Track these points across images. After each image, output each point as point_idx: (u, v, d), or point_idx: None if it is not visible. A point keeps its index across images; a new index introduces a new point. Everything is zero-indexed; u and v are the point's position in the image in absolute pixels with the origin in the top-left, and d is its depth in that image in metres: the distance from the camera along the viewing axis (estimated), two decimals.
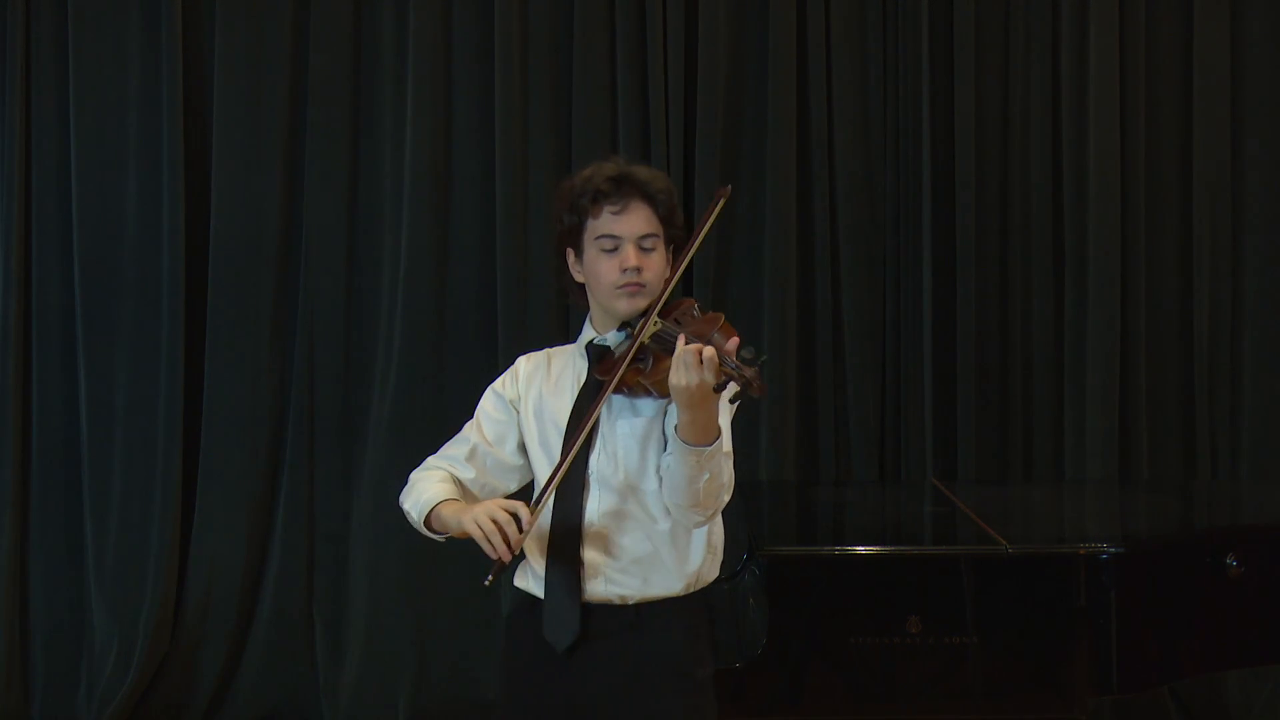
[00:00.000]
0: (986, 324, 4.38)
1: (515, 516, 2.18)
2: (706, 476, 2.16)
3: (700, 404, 2.08)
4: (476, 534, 2.20)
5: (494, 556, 2.19)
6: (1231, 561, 2.98)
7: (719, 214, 2.32)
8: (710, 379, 2.04)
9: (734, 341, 2.09)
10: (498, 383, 2.46)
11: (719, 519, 2.36)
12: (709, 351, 2.04)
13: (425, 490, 2.37)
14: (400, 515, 4.52)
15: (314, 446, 4.41)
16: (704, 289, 4.36)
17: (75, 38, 4.33)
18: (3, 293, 4.33)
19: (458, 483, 2.41)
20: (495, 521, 2.18)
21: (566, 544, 2.29)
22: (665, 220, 2.32)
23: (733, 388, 2.06)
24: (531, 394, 2.40)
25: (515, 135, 4.34)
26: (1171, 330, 4.43)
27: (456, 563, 4.39)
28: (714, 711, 2.36)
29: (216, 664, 4.35)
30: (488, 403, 2.45)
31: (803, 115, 4.38)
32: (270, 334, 4.40)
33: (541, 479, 2.36)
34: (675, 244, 2.35)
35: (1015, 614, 2.84)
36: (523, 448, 2.41)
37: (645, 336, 2.22)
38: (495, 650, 4.36)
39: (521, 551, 2.34)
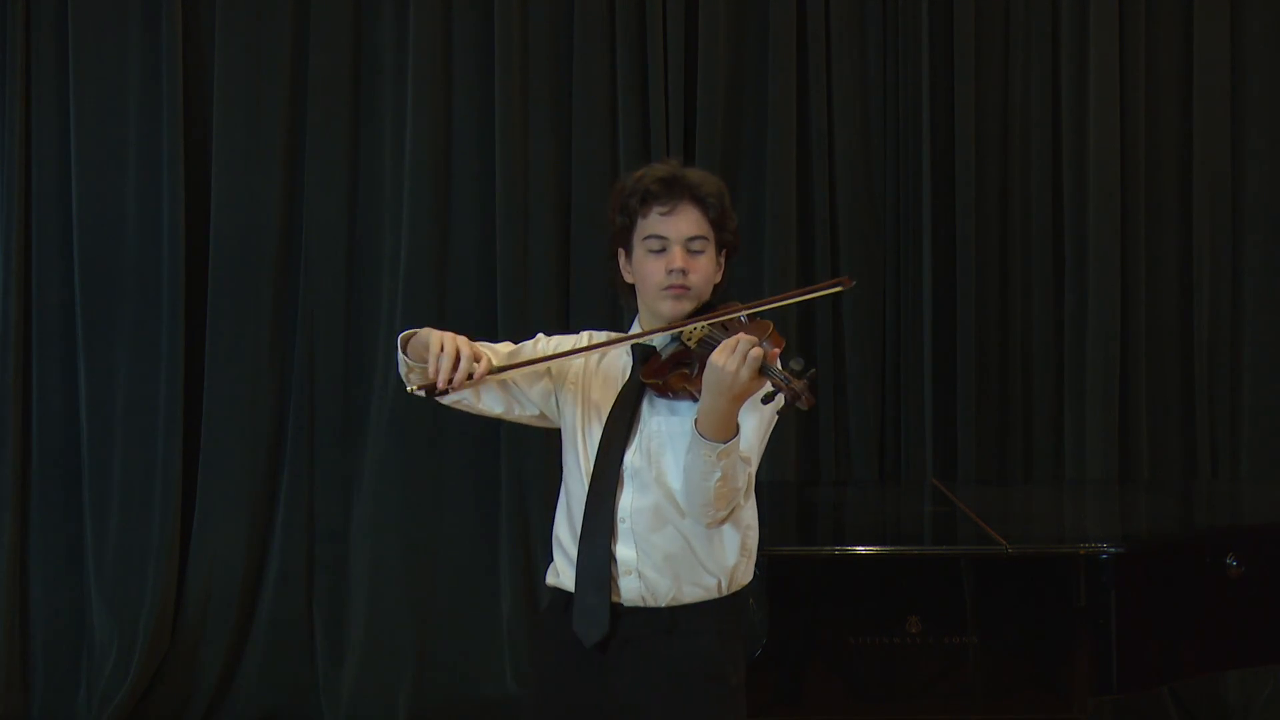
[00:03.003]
0: (986, 324, 4.38)
1: (477, 362, 2.18)
2: (718, 476, 2.15)
3: (726, 392, 2.07)
4: (435, 349, 2.18)
5: (430, 376, 2.18)
6: (1231, 561, 2.98)
7: (824, 293, 2.35)
8: (745, 375, 2.05)
9: (777, 352, 2.10)
10: (559, 339, 2.44)
11: (754, 522, 2.36)
12: (757, 351, 2.05)
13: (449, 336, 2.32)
14: (399, 515, 4.52)
15: (314, 446, 4.41)
16: None
17: (75, 38, 4.33)
18: (3, 293, 4.33)
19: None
20: (458, 352, 2.17)
21: (599, 537, 2.28)
22: (716, 224, 2.33)
23: (779, 400, 2.06)
24: (585, 371, 2.40)
25: (515, 135, 4.34)
26: (1171, 330, 4.43)
27: (457, 563, 4.40)
28: (745, 717, 2.35)
29: (216, 664, 4.35)
30: (548, 343, 2.43)
31: (803, 115, 4.38)
32: (270, 334, 4.40)
33: (571, 459, 2.35)
34: (727, 248, 2.37)
35: (1015, 614, 2.84)
36: (543, 399, 2.40)
37: (693, 341, 2.22)
38: (496, 650, 4.36)
39: (551, 552, 2.37)
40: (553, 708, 2.36)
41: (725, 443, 2.13)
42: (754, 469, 2.27)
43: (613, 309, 4.32)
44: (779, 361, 2.10)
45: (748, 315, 2.26)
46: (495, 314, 4.32)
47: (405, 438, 4.34)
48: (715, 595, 2.29)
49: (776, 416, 2.34)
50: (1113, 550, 2.86)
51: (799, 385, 2.03)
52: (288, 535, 4.40)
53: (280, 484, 4.42)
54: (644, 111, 4.33)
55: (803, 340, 4.37)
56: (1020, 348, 4.40)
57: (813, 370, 2.06)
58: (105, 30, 4.35)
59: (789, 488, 4.14)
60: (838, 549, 2.99)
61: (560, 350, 2.41)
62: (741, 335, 2.08)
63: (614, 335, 2.46)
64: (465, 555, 4.40)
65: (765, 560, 2.91)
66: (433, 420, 4.27)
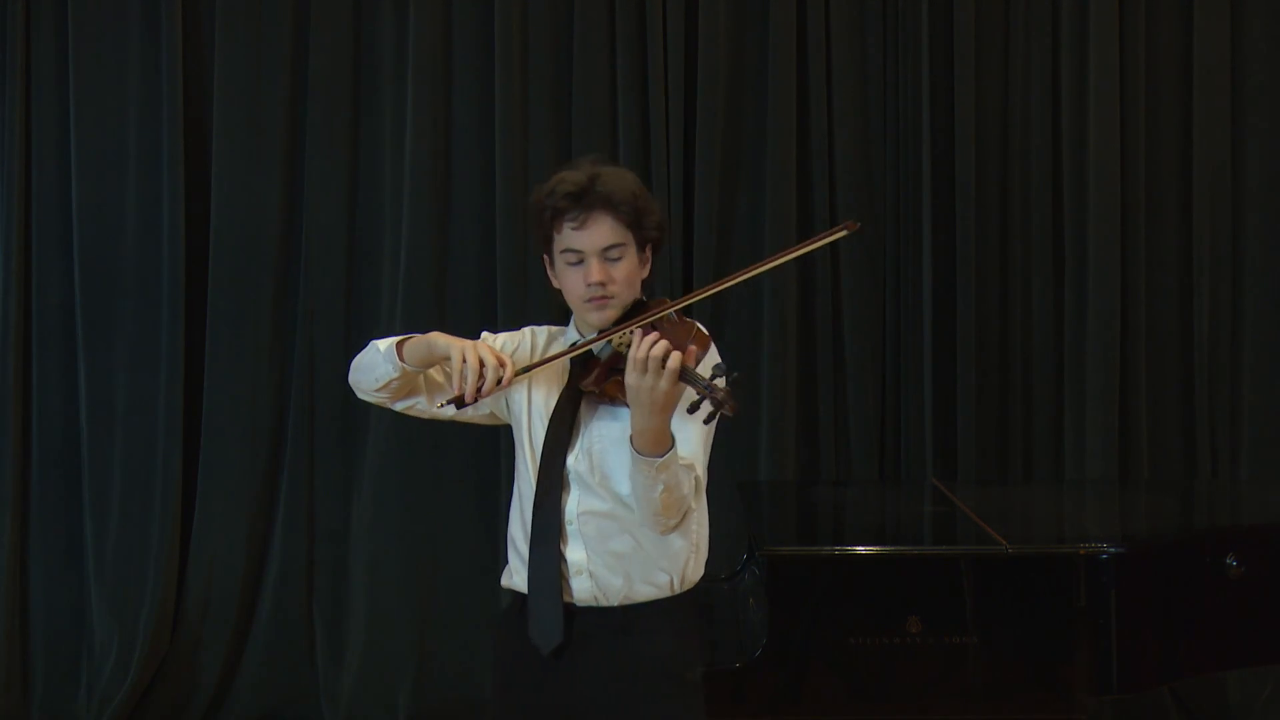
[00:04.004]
0: (986, 324, 4.38)
1: (502, 369, 2.19)
2: (661, 488, 2.16)
3: (651, 409, 2.08)
4: (457, 363, 2.19)
5: (457, 391, 2.19)
6: (1231, 561, 2.98)
7: (830, 241, 2.33)
8: (665, 385, 2.05)
9: (705, 353, 2.10)
10: (505, 338, 2.44)
11: (704, 516, 2.37)
12: (675, 357, 2.05)
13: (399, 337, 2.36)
14: (399, 515, 4.50)
15: (314, 446, 4.41)
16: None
17: (75, 38, 4.34)
18: (3, 293, 4.34)
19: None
20: (482, 363, 2.18)
21: (548, 544, 2.30)
22: (632, 224, 2.29)
23: (706, 407, 2.04)
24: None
25: (515, 135, 4.34)
26: (1171, 330, 4.43)
27: (456, 563, 4.40)
28: (703, 714, 2.37)
29: (216, 664, 4.35)
30: (494, 341, 2.42)
31: (803, 115, 4.38)
32: (270, 334, 4.40)
33: (521, 459, 2.38)
34: (652, 242, 2.35)
35: (1015, 614, 2.84)
36: (494, 399, 2.40)
37: (623, 347, 2.22)
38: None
39: (505, 553, 2.38)
40: (512, 710, 2.37)
41: (662, 455, 2.14)
42: (700, 471, 2.27)
43: None
44: (699, 362, 2.09)
45: (677, 312, 2.24)
46: (495, 314, 4.32)
47: (405, 438, 4.33)
48: (668, 593, 2.31)
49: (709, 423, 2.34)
50: (1113, 550, 2.86)
51: (721, 393, 2.01)
52: (288, 535, 4.40)
53: (280, 484, 4.42)
54: (644, 111, 4.33)
55: (802, 339, 4.38)
56: (1020, 347, 4.40)
57: (735, 374, 2.04)
58: (105, 30, 4.36)
59: (789, 488, 4.14)
60: (838, 549, 2.99)
61: (507, 350, 2.39)
62: (651, 348, 2.06)
63: (554, 329, 2.47)
64: (465, 555, 4.40)
65: (765, 560, 2.91)
66: (432, 420, 4.26)
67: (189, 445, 4.37)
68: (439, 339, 2.27)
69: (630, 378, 2.08)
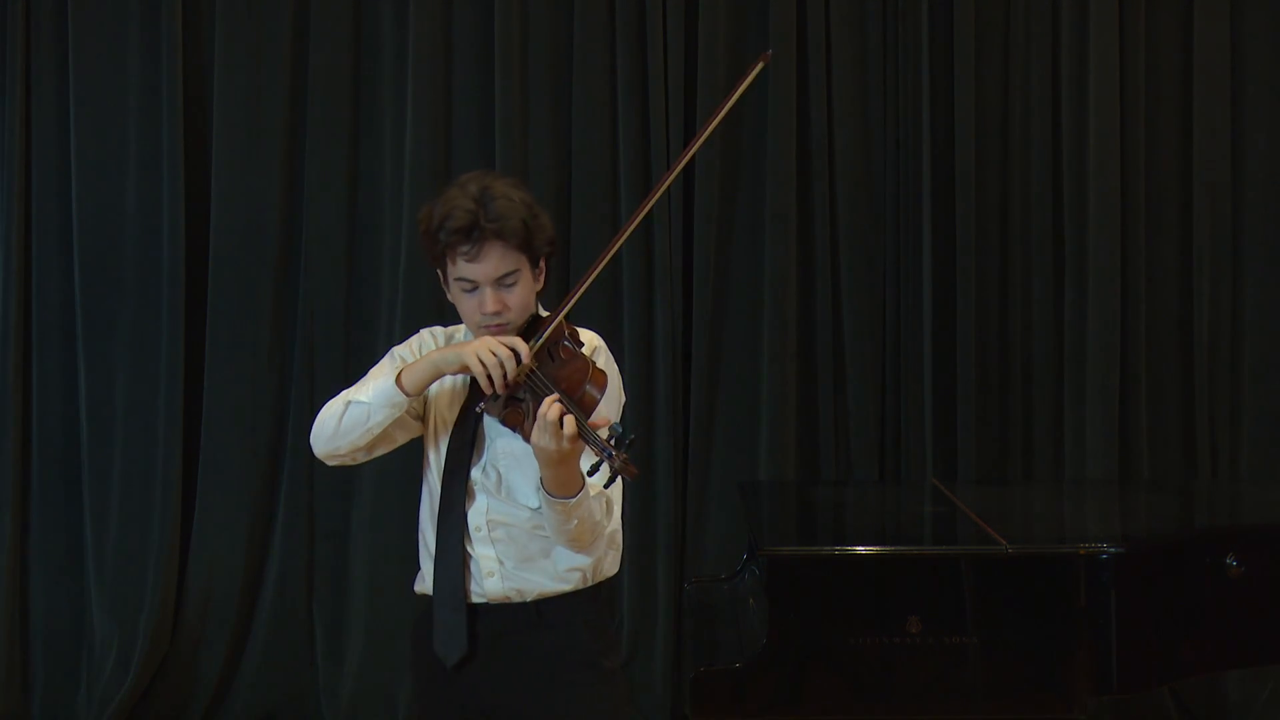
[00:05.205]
0: (986, 324, 4.38)
1: (515, 352, 2.18)
2: (575, 522, 2.19)
3: (559, 464, 2.10)
4: (477, 368, 2.17)
5: (489, 391, 2.18)
6: (1231, 561, 2.98)
7: (754, 79, 2.33)
8: (567, 446, 2.06)
9: (602, 419, 2.11)
10: (406, 347, 2.43)
11: (615, 520, 2.37)
12: (569, 420, 2.06)
13: (373, 378, 2.31)
14: (399, 515, 4.49)
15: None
16: (704, 289, 4.36)
17: (75, 38, 4.34)
18: (3, 293, 4.34)
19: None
20: (496, 356, 2.16)
21: (451, 551, 2.33)
22: (525, 247, 2.26)
23: (605, 471, 2.05)
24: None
25: (515, 135, 4.34)
26: (1171, 330, 4.43)
27: None
28: (626, 700, 2.40)
29: (216, 664, 4.35)
30: (406, 349, 2.42)
31: (803, 115, 4.38)
32: (270, 334, 4.40)
33: (433, 460, 2.40)
34: (545, 256, 2.33)
35: (1015, 614, 2.84)
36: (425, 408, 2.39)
37: (520, 375, 2.20)
38: None
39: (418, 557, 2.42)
40: (432, 711, 2.40)
41: (574, 497, 2.16)
42: (611, 491, 2.26)
43: (613, 307, 4.33)
44: (597, 404, 2.12)
45: (571, 338, 2.24)
46: None
47: None
48: (580, 586, 2.33)
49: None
50: (1113, 550, 2.86)
51: (619, 459, 2.03)
52: (288, 535, 4.40)
53: (280, 484, 4.42)
54: (644, 111, 4.33)
55: (802, 341, 4.38)
56: (1020, 347, 4.40)
57: (632, 437, 2.06)
58: (105, 30, 4.36)
59: (789, 488, 4.13)
60: (838, 549, 2.99)
61: (411, 359, 2.36)
62: (553, 412, 2.06)
63: (448, 330, 2.45)
64: None
65: (765, 560, 2.91)
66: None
67: (189, 445, 4.37)
68: (444, 355, 2.24)
69: (534, 435, 2.10)
